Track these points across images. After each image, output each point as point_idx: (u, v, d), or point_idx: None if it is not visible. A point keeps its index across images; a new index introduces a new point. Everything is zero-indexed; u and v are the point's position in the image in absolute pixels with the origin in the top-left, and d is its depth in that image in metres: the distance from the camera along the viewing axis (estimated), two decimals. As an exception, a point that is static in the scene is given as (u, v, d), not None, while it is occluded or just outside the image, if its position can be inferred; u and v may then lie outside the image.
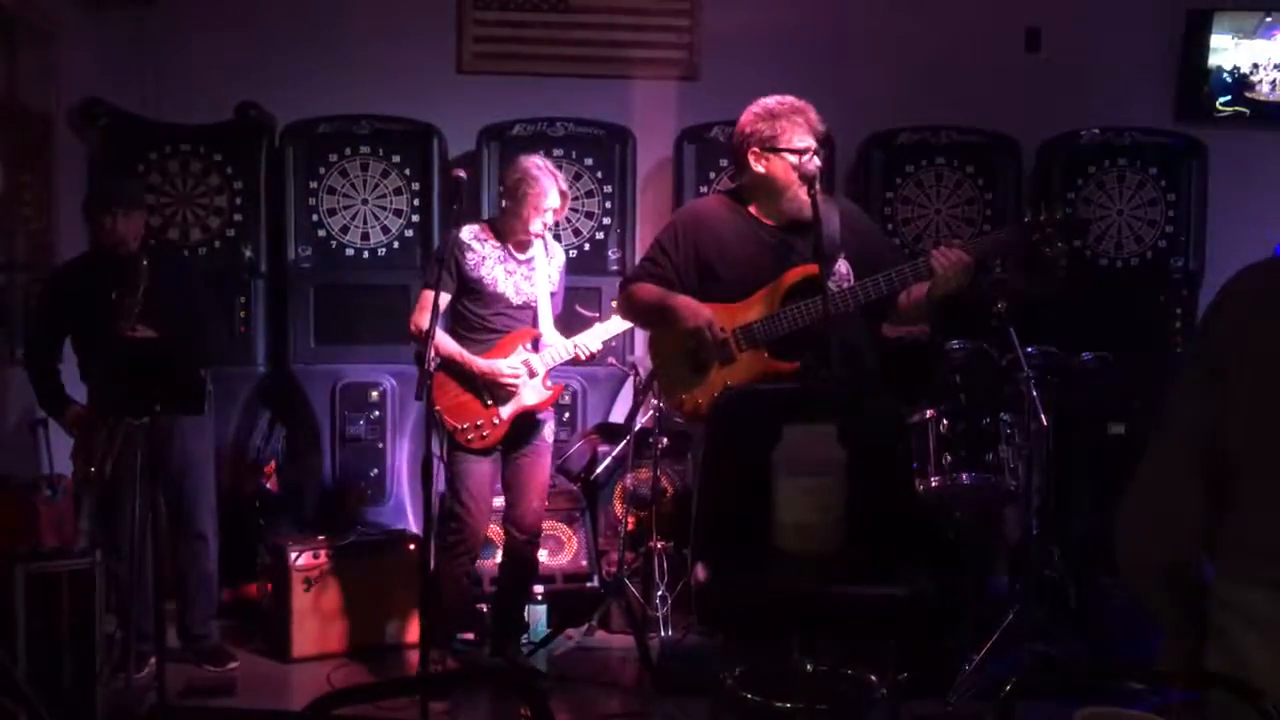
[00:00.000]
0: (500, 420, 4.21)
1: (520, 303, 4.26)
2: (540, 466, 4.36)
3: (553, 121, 5.28)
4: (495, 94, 5.44)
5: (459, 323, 4.25)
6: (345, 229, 5.25)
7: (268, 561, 4.71)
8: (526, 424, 4.29)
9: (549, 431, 4.40)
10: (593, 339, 4.28)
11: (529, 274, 4.26)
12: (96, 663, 3.59)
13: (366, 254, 5.25)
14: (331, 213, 5.24)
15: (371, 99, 5.28)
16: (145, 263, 4.07)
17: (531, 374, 4.21)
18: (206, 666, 4.36)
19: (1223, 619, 1.88)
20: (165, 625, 3.89)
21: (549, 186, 4.14)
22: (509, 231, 4.24)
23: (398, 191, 5.27)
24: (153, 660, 3.84)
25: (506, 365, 4.18)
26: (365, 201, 5.26)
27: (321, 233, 5.24)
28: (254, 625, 4.74)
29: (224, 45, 5.35)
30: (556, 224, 4.45)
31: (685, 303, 3.39)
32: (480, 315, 4.22)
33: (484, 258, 4.20)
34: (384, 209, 5.26)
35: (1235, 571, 1.86)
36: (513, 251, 4.25)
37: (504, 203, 4.29)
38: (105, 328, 4.09)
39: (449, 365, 4.15)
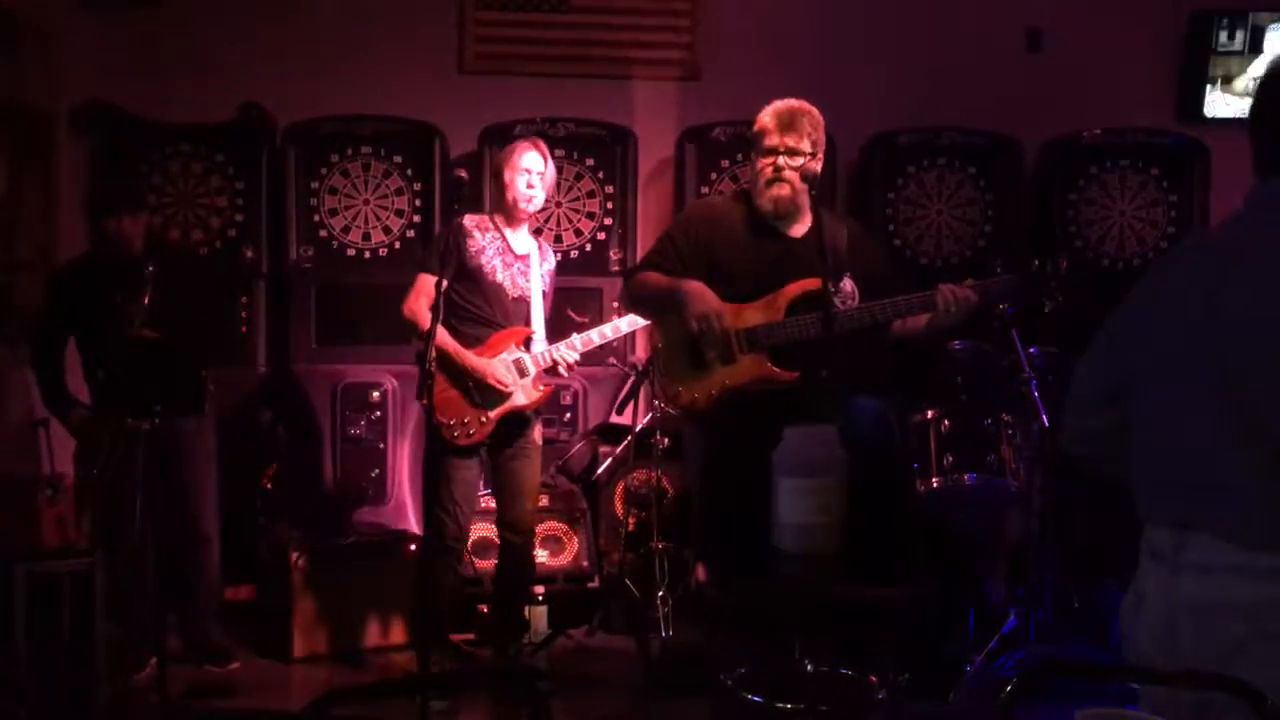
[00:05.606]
0: (487, 419, 4.15)
1: (516, 295, 4.22)
2: (531, 469, 4.32)
3: (554, 122, 5.28)
4: (497, 94, 5.44)
5: (452, 312, 4.15)
6: (347, 229, 5.25)
7: (269, 562, 4.71)
8: (513, 424, 4.24)
9: (538, 433, 4.35)
10: (569, 351, 4.22)
11: (525, 269, 4.25)
12: (97, 663, 3.59)
13: (368, 254, 5.25)
14: (333, 213, 5.25)
15: (373, 99, 5.28)
16: (151, 269, 4.07)
17: (523, 374, 4.18)
18: (208, 667, 4.36)
19: (1141, 558, 2.00)
20: (166, 625, 3.89)
21: (526, 148, 4.18)
22: (500, 206, 4.25)
23: (399, 192, 5.27)
24: (154, 660, 3.85)
25: (500, 365, 4.14)
26: (367, 202, 5.26)
27: (323, 233, 5.24)
28: (255, 626, 4.74)
29: (226, 46, 5.34)
30: (548, 204, 4.39)
31: (696, 288, 3.36)
32: (475, 304, 4.17)
33: (484, 246, 4.18)
34: (385, 209, 5.27)
35: (1143, 512, 2.00)
36: (510, 244, 4.22)
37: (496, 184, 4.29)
38: (108, 329, 4.09)
39: (440, 357, 4.07)
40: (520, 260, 4.25)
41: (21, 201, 4.84)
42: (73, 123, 5.08)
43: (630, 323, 4.31)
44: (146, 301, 4.03)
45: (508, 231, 4.24)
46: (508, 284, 4.21)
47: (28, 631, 3.45)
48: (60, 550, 3.78)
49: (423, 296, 4.10)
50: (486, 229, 4.22)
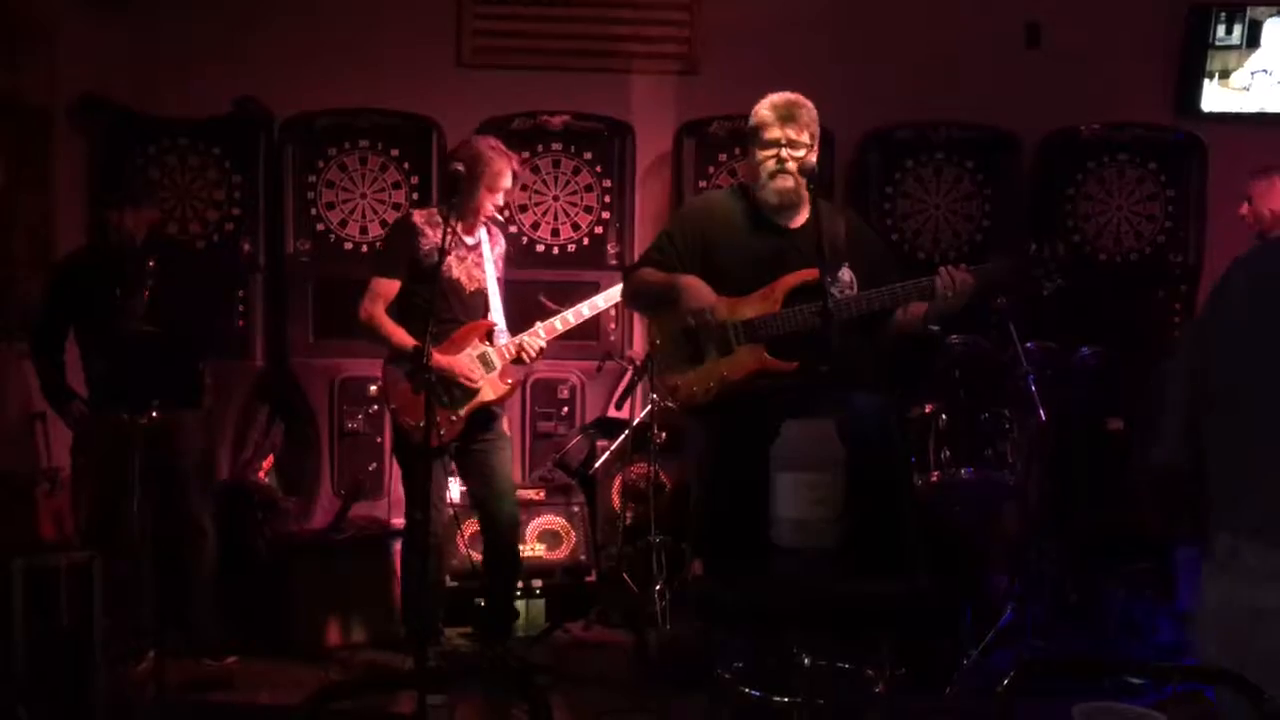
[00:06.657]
0: (457, 418, 4.12)
1: (473, 289, 4.19)
2: (503, 457, 4.28)
3: (552, 115, 5.27)
4: (495, 88, 5.43)
5: (411, 314, 4.08)
6: (344, 223, 5.25)
7: (266, 555, 4.71)
8: (481, 420, 4.20)
9: (505, 424, 4.32)
10: (534, 339, 4.18)
11: (479, 260, 4.21)
12: (95, 656, 3.59)
13: (365, 248, 5.24)
14: (330, 206, 5.24)
15: (371, 93, 5.28)
16: (151, 264, 4.06)
17: (489, 368, 4.15)
18: (205, 660, 4.36)
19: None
20: (163, 619, 3.89)
21: (504, 168, 4.11)
22: (459, 206, 4.08)
23: (396, 185, 5.27)
24: (151, 654, 3.85)
25: (466, 360, 4.12)
26: (364, 195, 5.25)
27: (320, 226, 5.24)
28: (252, 619, 4.74)
29: (222, 39, 5.33)
30: (506, 205, 4.35)
31: (692, 282, 3.38)
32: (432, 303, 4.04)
33: (436, 243, 4.02)
34: (383, 203, 5.26)
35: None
36: (461, 237, 4.17)
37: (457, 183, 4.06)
38: (107, 323, 4.08)
39: (403, 359, 4.04)
40: (473, 252, 4.21)
41: (19, 195, 4.83)
42: (70, 117, 5.07)
43: (592, 306, 4.31)
44: (146, 295, 4.02)
45: (459, 226, 4.16)
46: (464, 279, 4.17)
47: (26, 625, 3.45)
48: (57, 544, 3.77)
49: (379, 300, 4.09)
50: (438, 224, 4.09)
